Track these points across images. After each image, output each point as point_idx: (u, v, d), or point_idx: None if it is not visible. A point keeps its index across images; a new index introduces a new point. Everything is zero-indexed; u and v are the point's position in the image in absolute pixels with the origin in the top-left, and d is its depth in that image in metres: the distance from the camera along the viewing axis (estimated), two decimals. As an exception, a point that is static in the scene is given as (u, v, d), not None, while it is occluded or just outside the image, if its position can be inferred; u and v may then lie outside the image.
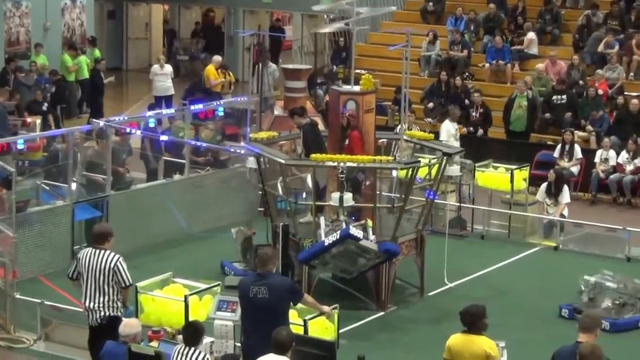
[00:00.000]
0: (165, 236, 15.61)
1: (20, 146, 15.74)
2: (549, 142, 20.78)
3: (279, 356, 8.46)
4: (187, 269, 13.25)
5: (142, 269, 12.93)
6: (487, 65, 23.77)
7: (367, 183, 13.66)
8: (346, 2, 14.75)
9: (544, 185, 16.85)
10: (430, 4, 25.95)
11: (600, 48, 22.75)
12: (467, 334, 8.85)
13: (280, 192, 13.92)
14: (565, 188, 16.85)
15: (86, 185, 15.44)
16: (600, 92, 21.17)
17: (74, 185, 14.87)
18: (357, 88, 13.73)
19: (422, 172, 14.32)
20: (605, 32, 22.93)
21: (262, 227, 14.28)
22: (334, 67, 24.37)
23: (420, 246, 13.71)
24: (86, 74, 25.18)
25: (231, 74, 24.22)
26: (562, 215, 16.56)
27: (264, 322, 9.36)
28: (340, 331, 10.70)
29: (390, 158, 13.78)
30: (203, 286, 11.11)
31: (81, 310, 10.51)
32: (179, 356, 8.78)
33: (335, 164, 12.68)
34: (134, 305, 10.78)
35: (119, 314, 10.12)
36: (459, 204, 16.74)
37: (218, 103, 18.65)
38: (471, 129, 20.95)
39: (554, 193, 16.64)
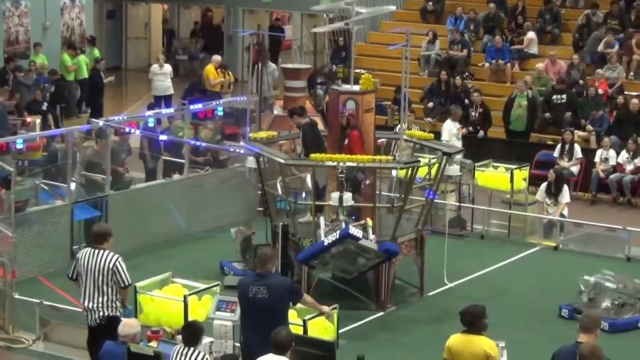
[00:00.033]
0: (164, 236, 15.60)
1: (19, 146, 15.72)
2: (549, 142, 20.77)
3: (278, 356, 8.45)
4: (187, 268, 13.24)
5: (141, 269, 12.92)
6: (486, 64, 23.76)
7: (367, 183, 13.65)
8: (345, 2, 14.73)
9: (543, 185, 16.84)
10: (430, 3, 25.93)
11: (600, 47, 22.74)
12: (467, 334, 8.84)
13: (280, 191, 13.90)
14: (565, 188, 16.84)
15: (85, 185, 15.43)
16: (600, 91, 21.16)
17: (73, 185, 14.86)
18: (356, 87, 13.72)
19: (422, 172, 14.30)
20: (605, 32, 22.92)
21: (261, 227, 14.26)
22: (334, 66, 24.34)
23: (420, 246, 13.69)
24: (85, 74, 25.16)
25: (230, 73, 24.22)
26: (562, 215, 16.54)
27: (263, 322, 9.35)
28: (340, 331, 10.68)
29: (390, 158, 13.77)
30: (202, 286, 11.10)
31: (80, 310, 10.49)
32: (178, 356, 8.76)
33: (335, 163, 12.66)
34: (133, 305, 10.77)
35: (118, 314, 10.11)
36: (458, 204, 16.73)
37: (217, 103, 18.64)
38: (470, 128, 20.93)
39: (553, 193, 16.62)
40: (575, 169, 19.52)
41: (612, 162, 19.43)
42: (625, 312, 12.98)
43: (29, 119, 21.19)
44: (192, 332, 8.88)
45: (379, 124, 15.89)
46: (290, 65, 20.70)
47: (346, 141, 13.35)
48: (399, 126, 15.47)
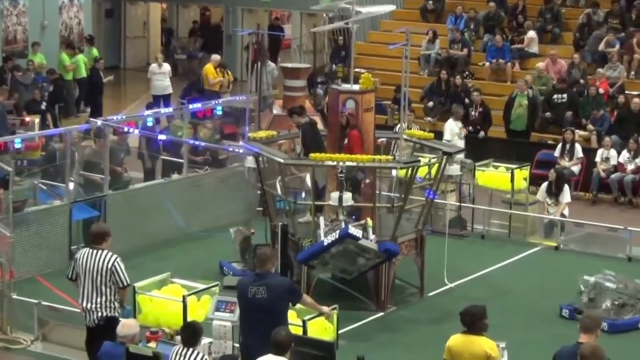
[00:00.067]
0: (163, 236, 15.56)
1: (17, 145, 15.67)
2: (550, 142, 20.74)
3: (277, 357, 8.42)
4: (186, 269, 13.22)
5: (140, 269, 12.90)
6: (487, 64, 23.73)
7: (367, 182, 13.61)
8: (345, 1, 14.69)
9: (544, 185, 16.80)
10: (430, 2, 25.90)
11: (601, 47, 22.71)
12: (467, 334, 8.80)
13: (279, 191, 13.86)
14: (566, 187, 16.80)
15: (84, 184, 15.40)
16: (601, 91, 21.13)
17: (71, 185, 14.83)
18: (356, 87, 13.70)
19: (422, 172, 14.26)
20: (606, 31, 22.89)
21: (260, 227, 14.23)
22: (333, 66, 24.34)
23: (420, 246, 13.66)
24: (84, 73, 25.14)
25: (230, 73, 24.20)
26: (562, 215, 16.51)
27: (263, 323, 9.32)
28: (340, 332, 10.68)
29: (390, 157, 13.73)
30: (201, 286, 11.10)
31: (78, 310, 10.46)
32: (177, 357, 8.74)
33: (335, 163, 12.63)
34: (131, 305, 10.73)
35: (117, 314, 10.09)
36: (459, 204, 16.69)
37: (216, 102, 18.59)
38: (470, 128, 20.89)
39: (554, 192, 16.59)
40: (576, 169, 19.48)
41: (613, 161, 19.39)
42: (625, 312, 12.95)
43: (27, 119, 21.17)
44: (191, 333, 8.85)
45: (378, 124, 15.86)
46: (289, 65, 20.66)
47: (346, 141, 13.31)
48: (398, 126, 15.44)
